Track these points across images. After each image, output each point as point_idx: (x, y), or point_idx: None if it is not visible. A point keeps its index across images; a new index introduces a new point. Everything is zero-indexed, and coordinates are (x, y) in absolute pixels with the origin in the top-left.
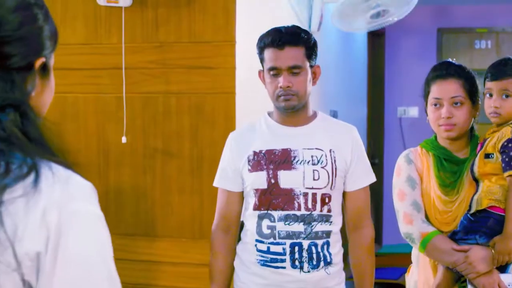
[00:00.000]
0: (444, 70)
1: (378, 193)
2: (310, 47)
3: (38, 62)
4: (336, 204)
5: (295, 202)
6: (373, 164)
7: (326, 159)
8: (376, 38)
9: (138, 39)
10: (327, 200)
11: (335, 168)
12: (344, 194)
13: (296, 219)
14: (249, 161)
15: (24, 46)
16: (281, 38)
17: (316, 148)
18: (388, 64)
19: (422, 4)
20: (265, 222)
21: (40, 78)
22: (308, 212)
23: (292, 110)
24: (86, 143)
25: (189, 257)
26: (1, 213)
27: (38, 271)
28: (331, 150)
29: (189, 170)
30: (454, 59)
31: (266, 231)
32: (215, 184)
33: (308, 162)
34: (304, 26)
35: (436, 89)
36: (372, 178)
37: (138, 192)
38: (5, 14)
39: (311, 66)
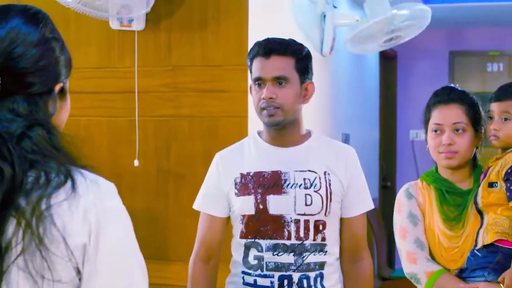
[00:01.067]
0: (446, 95)
1: (390, 216)
2: (300, 59)
3: (57, 87)
4: (332, 232)
5: (285, 230)
6: (385, 187)
7: (320, 182)
8: (388, 61)
9: (151, 62)
10: (321, 227)
11: (330, 192)
12: (340, 221)
13: (286, 249)
14: (236, 184)
15: (44, 75)
16: (268, 46)
17: (309, 170)
18: (400, 87)
19: (434, 27)
20: (252, 252)
21: (58, 100)
22: (299, 242)
23: (277, 126)
24: (99, 166)
25: None
26: (52, 215)
27: (84, 260)
28: (325, 173)
29: None
30: (458, 84)
31: (253, 261)
32: (195, 206)
33: (300, 186)
34: (316, 50)
35: (437, 115)
36: (369, 205)
37: (150, 215)
38: (27, 49)
39: (302, 82)
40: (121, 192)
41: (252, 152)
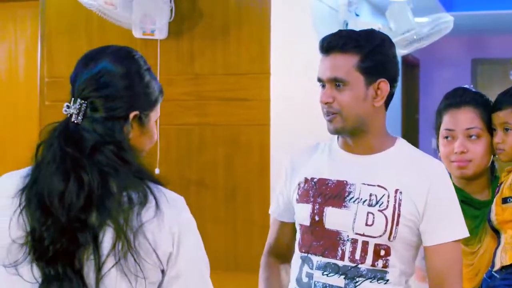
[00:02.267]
0: (458, 97)
1: None
2: (367, 55)
3: (131, 115)
4: (399, 260)
5: (339, 249)
6: None
7: (388, 201)
8: (410, 69)
9: (173, 71)
10: (382, 253)
11: (398, 214)
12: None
13: (337, 270)
14: (299, 188)
15: (124, 102)
16: (328, 40)
17: (378, 186)
18: (423, 94)
19: (456, 35)
20: (305, 268)
21: (137, 126)
22: (353, 264)
23: (339, 134)
24: None
25: None
26: (144, 232)
27: (168, 265)
28: (397, 191)
29: (224, 202)
30: (472, 85)
31: (304, 279)
32: (269, 210)
33: (364, 202)
34: None
35: (448, 120)
36: (461, 233)
37: None
38: (115, 80)
39: (369, 82)
40: None
41: (324, 156)
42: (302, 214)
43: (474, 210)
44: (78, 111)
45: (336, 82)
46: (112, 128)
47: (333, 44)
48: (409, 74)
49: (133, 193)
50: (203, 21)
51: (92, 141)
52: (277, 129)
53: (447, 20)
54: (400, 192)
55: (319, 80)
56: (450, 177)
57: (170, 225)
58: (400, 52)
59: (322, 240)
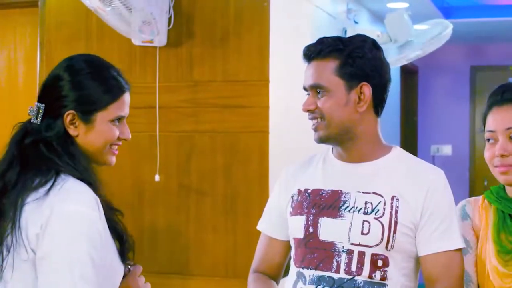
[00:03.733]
0: (499, 95)
1: None
2: (347, 60)
3: (66, 114)
4: (398, 272)
5: (334, 261)
6: None
7: (384, 208)
8: (409, 76)
9: (172, 78)
10: (380, 263)
11: (395, 222)
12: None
13: (332, 283)
14: (292, 201)
15: (54, 104)
16: (308, 49)
17: (374, 193)
18: (421, 101)
19: (455, 42)
20: (299, 285)
21: (81, 124)
22: (349, 277)
23: (325, 143)
24: (120, 181)
25: None
26: (22, 211)
27: (37, 246)
28: (394, 198)
29: (223, 209)
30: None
31: None
32: (257, 226)
33: (359, 210)
34: None
35: (490, 120)
36: (456, 243)
37: (172, 230)
38: (54, 84)
39: (351, 87)
40: (142, 207)
41: (318, 166)
42: (296, 227)
43: None
44: (35, 113)
45: (317, 89)
46: (48, 126)
47: (312, 50)
48: (408, 81)
49: (37, 179)
50: (202, 28)
51: (30, 139)
52: (276, 136)
53: (446, 27)
54: (397, 199)
55: (304, 89)
56: (501, 187)
57: (45, 208)
58: (394, 63)
59: (316, 252)
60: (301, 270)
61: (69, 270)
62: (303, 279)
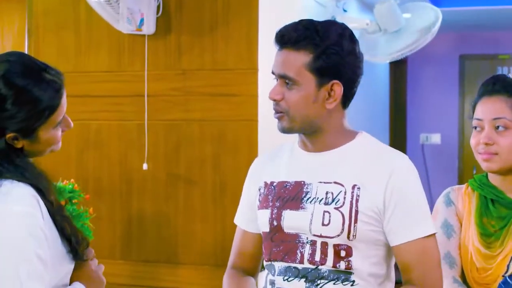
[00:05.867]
0: (490, 85)
1: None
2: (321, 55)
3: (7, 137)
4: (364, 261)
5: (298, 251)
6: None
7: (345, 198)
8: (398, 66)
9: (161, 66)
10: (343, 253)
11: (356, 211)
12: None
13: (297, 273)
14: (259, 194)
15: None
16: (282, 34)
17: (335, 182)
18: (410, 91)
19: (444, 31)
20: (269, 276)
21: (27, 140)
22: (313, 266)
23: (288, 133)
24: (109, 169)
25: (211, 284)
26: None
27: None
28: (354, 186)
29: (212, 198)
30: (510, 74)
31: (268, 287)
32: (234, 219)
33: (320, 201)
34: None
35: (479, 109)
36: (426, 230)
37: (160, 219)
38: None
39: (321, 83)
40: (131, 196)
41: (284, 158)
42: (262, 221)
43: (503, 210)
44: None
45: (286, 80)
46: None
47: (286, 38)
48: (397, 71)
49: None
50: (191, 16)
51: None
52: (265, 125)
53: (435, 16)
54: (358, 188)
55: (272, 73)
56: (484, 176)
57: None
58: (387, 59)
59: (282, 245)
60: (271, 263)
61: (14, 269)
62: (273, 271)
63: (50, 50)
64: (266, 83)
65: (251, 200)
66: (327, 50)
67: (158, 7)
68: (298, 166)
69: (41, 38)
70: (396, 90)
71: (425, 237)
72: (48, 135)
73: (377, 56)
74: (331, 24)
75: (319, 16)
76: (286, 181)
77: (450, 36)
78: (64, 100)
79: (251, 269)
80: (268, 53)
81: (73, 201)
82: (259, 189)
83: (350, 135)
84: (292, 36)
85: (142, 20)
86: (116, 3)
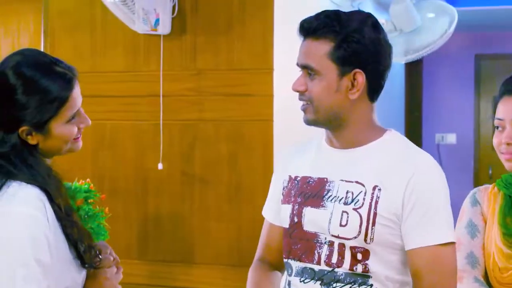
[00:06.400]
0: (510, 84)
1: None
2: (342, 42)
3: (20, 130)
4: (383, 265)
5: (315, 252)
6: None
7: (364, 199)
8: (413, 65)
9: (176, 66)
10: (360, 256)
11: (374, 213)
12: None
13: (313, 275)
14: (283, 188)
15: (6, 119)
16: (303, 24)
17: (356, 182)
18: (426, 90)
19: (459, 31)
20: (286, 276)
21: (38, 135)
22: (329, 269)
23: (313, 125)
24: (124, 169)
25: (227, 284)
26: None
27: None
28: (375, 187)
29: (227, 197)
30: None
31: (286, 287)
32: (262, 211)
33: (340, 200)
34: None
35: (500, 108)
36: (443, 237)
37: (176, 219)
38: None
39: (343, 73)
40: (146, 196)
41: (310, 152)
42: (284, 216)
43: None
44: None
45: (308, 70)
46: (2, 140)
47: (306, 28)
48: (413, 71)
49: None
50: (206, 17)
51: None
52: (280, 124)
53: (451, 15)
54: (379, 189)
55: (297, 65)
56: (511, 175)
57: None
58: (402, 60)
59: (300, 243)
60: (288, 261)
61: (11, 271)
62: (290, 271)
63: (65, 51)
64: (281, 83)
65: (277, 192)
66: (347, 38)
67: (174, 7)
68: (322, 162)
69: (57, 39)
70: (412, 89)
71: (440, 244)
72: (61, 130)
73: (393, 56)
74: (354, 13)
75: None
76: (309, 177)
77: (465, 36)
78: (75, 93)
79: (278, 263)
80: (283, 53)
81: (89, 200)
82: (284, 183)
83: (377, 133)
84: (313, 25)
85: (157, 20)
86: (131, 3)
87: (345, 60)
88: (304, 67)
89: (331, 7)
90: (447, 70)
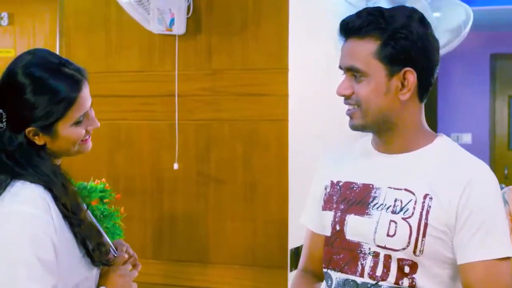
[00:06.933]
0: None
1: None
2: (388, 41)
3: (27, 131)
4: (431, 279)
5: (359, 263)
6: None
7: (414, 208)
8: None
9: (191, 66)
10: (407, 269)
11: (425, 224)
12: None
13: None
14: (325, 194)
15: (14, 120)
16: (345, 24)
17: (405, 190)
18: (441, 90)
19: (475, 30)
20: (324, 286)
21: (45, 136)
22: (373, 282)
23: (360, 131)
24: (140, 169)
25: (242, 284)
26: None
27: None
28: (426, 196)
29: (242, 197)
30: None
31: None
32: (301, 219)
33: (387, 208)
34: None
35: None
36: (499, 251)
37: (191, 218)
38: (5, 98)
39: (392, 72)
40: (162, 195)
41: (354, 156)
42: (325, 223)
43: None
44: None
45: (354, 72)
46: (8, 139)
47: (349, 27)
48: None
49: None
50: (221, 16)
51: None
52: (295, 124)
53: (467, 14)
54: (430, 198)
55: (340, 68)
56: None
57: None
58: None
59: (342, 253)
60: (328, 271)
61: (13, 270)
62: (329, 282)
63: (81, 51)
64: (296, 82)
65: (317, 198)
66: (395, 35)
67: (188, 7)
68: (368, 167)
69: (72, 39)
70: None
71: (496, 259)
72: (68, 132)
73: None
74: (398, 8)
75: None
76: (353, 182)
77: (481, 35)
78: (83, 95)
79: (320, 272)
80: (298, 53)
81: (104, 200)
82: (325, 188)
83: (428, 138)
84: (356, 23)
85: (172, 20)
86: (147, 3)
87: (394, 59)
88: (349, 70)
89: (346, 6)
90: (463, 69)
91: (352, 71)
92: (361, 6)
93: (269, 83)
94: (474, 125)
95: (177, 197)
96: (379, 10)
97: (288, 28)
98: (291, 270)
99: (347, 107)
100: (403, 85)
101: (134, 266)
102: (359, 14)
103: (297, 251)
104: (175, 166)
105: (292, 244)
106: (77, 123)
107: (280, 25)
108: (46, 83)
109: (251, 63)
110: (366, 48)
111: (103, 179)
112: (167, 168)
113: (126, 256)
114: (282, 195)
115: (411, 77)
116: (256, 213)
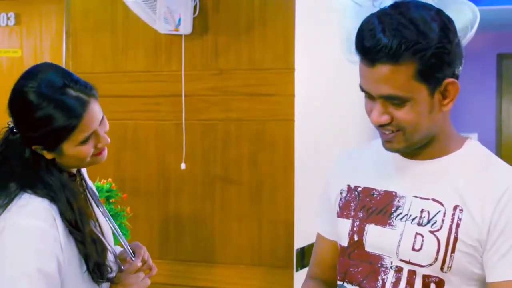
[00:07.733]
0: None
1: None
2: (427, 59)
3: (34, 147)
4: None
5: (379, 278)
6: None
7: (443, 220)
8: None
9: (197, 66)
10: (433, 287)
11: (455, 238)
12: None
13: None
14: (340, 199)
15: (25, 136)
16: (370, 48)
17: (433, 200)
18: None
19: (481, 30)
20: None
21: (53, 153)
22: None
23: (399, 152)
24: (146, 169)
25: (248, 284)
26: None
27: None
28: (456, 207)
29: (249, 197)
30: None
31: None
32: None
33: (413, 220)
34: None
35: None
36: None
37: (197, 218)
38: (15, 114)
39: (434, 88)
40: (168, 195)
41: (373, 158)
42: (341, 232)
43: None
44: (12, 128)
45: (393, 100)
46: (19, 149)
47: (379, 52)
48: None
49: (2, 198)
50: (228, 16)
51: (7, 154)
52: (301, 124)
53: (473, 13)
54: (460, 210)
55: (363, 90)
56: None
57: (0, 221)
58: None
59: (361, 266)
60: (344, 284)
61: (15, 282)
62: None
63: (87, 51)
64: (303, 83)
65: (331, 202)
66: (437, 53)
67: (195, 7)
68: (390, 173)
69: (78, 39)
70: None
71: None
72: (74, 151)
73: None
74: (424, 19)
75: (356, 16)
76: (373, 189)
77: (487, 35)
78: (89, 116)
79: (331, 281)
80: (304, 53)
81: (111, 200)
82: (341, 192)
83: (457, 143)
84: (386, 50)
85: (179, 20)
86: (153, 3)
87: (435, 74)
88: (387, 98)
89: (352, 6)
90: (469, 69)
91: (389, 100)
92: (367, 5)
93: (276, 83)
94: (481, 125)
95: (184, 197)
96: (402, 25)
97: (295, 28)
98: (297, 270)
99: (382, 131)
100: (443, 96)
101: (150, 269)
102: (384, 35)
103: (303, 251)
104: (182, 166)
105: (298, 244)
106: (84, 142)
107: (287, 25)
108: (45, 111)
109: (257, 63)
110: (405, 73)
111: (110, 179)
112: (173, 168)
113: (139, 264)
114: (289, 195)
115: (454, 87)
116: (262, 213)
